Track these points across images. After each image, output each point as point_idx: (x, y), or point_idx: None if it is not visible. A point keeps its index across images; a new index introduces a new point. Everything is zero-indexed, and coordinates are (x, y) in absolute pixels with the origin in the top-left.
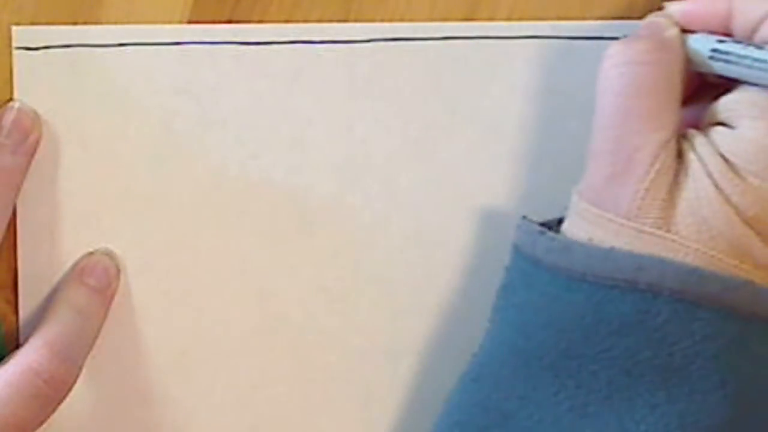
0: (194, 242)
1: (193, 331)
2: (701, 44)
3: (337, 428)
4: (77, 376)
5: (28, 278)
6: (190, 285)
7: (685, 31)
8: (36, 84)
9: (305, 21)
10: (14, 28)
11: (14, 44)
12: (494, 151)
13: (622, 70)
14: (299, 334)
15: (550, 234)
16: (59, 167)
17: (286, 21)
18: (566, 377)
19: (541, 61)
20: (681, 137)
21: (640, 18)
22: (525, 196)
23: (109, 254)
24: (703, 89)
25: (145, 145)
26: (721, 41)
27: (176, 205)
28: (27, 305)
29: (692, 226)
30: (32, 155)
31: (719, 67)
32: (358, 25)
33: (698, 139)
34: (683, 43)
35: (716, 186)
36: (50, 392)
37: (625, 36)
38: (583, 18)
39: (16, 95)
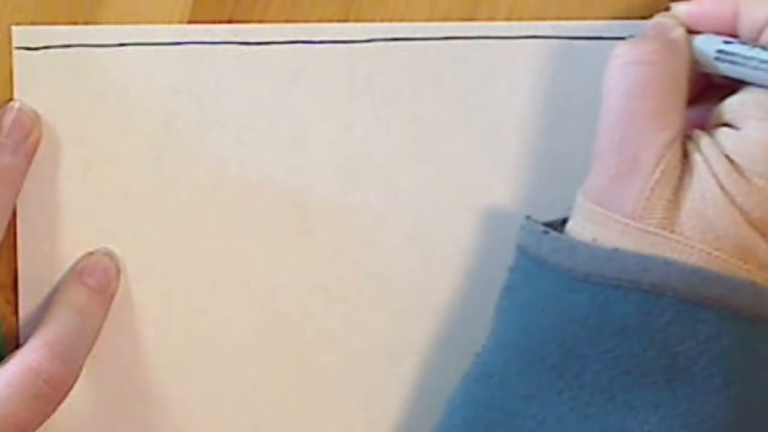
0: (194, 242)
1: (193, 331)
2: (707, 45)
3: (337, 428)
4: (77, 376)
5: (28, 278)
6: (190, 285)
7: (691, 31)
8: (36, 84)
9: (305, 21)
10: (14, 28)
11: (14, 44)
12: (494, 151)
13: (628, 70)
14: (299, 334)
15: (555, 234)
16: (59, 167)
17: (286, 21)
18: (570, 377)
19: (541, 61)
20: (686, 138)
21: (639, 18)
22: (525, 195)
23: (109, 254)
24: (708, 90)
25: (145, 145)
26: (727, 42)
27: (176, 205)
28: (27, 305)
29: (697, 227)
30: (32, 155)
31: (725, 68)
32: (358, 25)
33: (704, 140)
34: (689, 44)
35: (721, 187)
36: (50, 392)
37: (625, 36)
38: (583, 18)
39: (16, 95)
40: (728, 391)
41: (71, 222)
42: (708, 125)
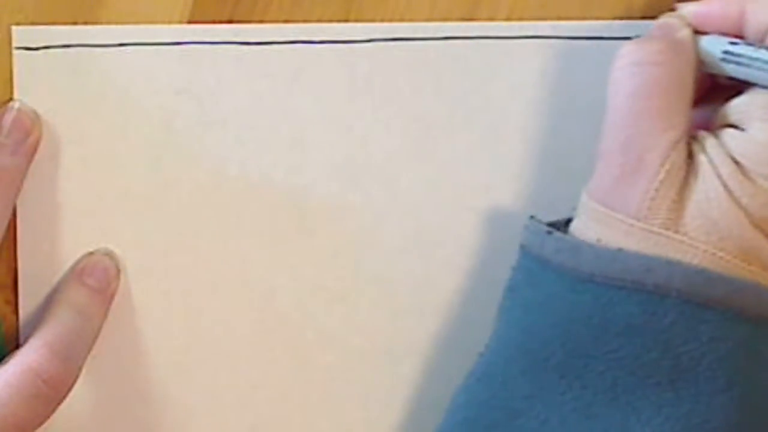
0: (194, 242)
1: (193, 331)
2: (713, 46)
3: (337, 428)
4: (77, 376)
5: (28, 278)
6: (190, 285)
7: (697, 32)
8: (36, 84)
9: (305, 21)
10: (14, 28)
11: (14, 44)
12: (494, 151)
13: (634, 70)
14: (299, 334)
15: (558, 234)
16: (59, 167)
17: (286, 21)
18: (572, 378)
19: (541, 61)
20: (692, 139)
21: (640, 18)
22: (524, 195)
23: (109, 254)
24: (714, 91)
25: (145, 145)
26: (733, 43)
27: (176, 205)
28: (27, 305)
29: (701, 228)
30: (32, 155)
31: (731, 69)
32: (358, 25)
33: (709, 141)
34: (695, 45)
35: (726, 188)
36: (50, 392)
37: (625, 36)
38: (583, 18)
39: (16, 95)
40: (731, 392)
41: (71, 222)
42: (713, 126)
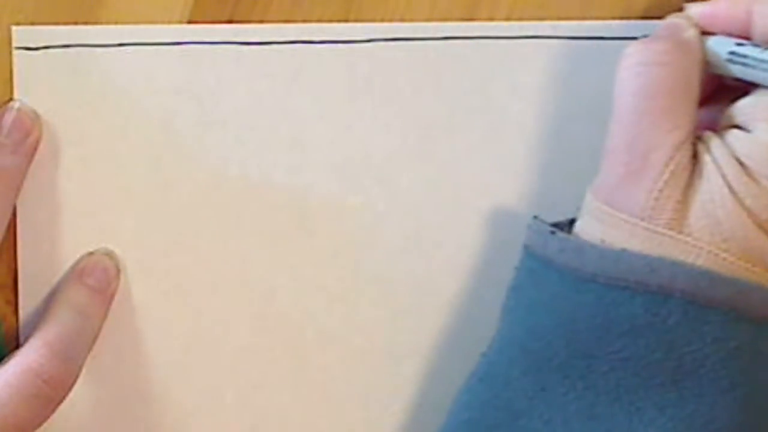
0: (194, 242)
1: (193, 331)
2: (720, 46)
3: (337, 428)
4: (77, 376)
5: (28, 278)
6: (190, 285)
7: (704, 32)
8: (36, 84)
9: (305, 21)
10: (14, 28)
11: (14, 44)
12: (494, 151)
13: (640, 70)
14: (299, 334)
15: (562, 234)
16: (59, 167)
17: (286, 21)
18: (576, 378)
19: (541, 61)
20: (697, 139)
21: (640, 18)
22: (524, 195)
23: (109, 254)
24: (720, 91)
25: (145, 145)
26: (739, 44)
27: (176, 205)
28: (27, 305)
29: (705, 228)
30: (32, 155)
31: (737, 70)
32: (358, 25)
33: (714, 142)
34: (702, 45)
35: (730, 188)
36: (50, 392)
37: (625, 36)
38: (583, 18)
39: (16, 95)
40: (735, 393)
41: (71, 222)
42: (719, 127)
